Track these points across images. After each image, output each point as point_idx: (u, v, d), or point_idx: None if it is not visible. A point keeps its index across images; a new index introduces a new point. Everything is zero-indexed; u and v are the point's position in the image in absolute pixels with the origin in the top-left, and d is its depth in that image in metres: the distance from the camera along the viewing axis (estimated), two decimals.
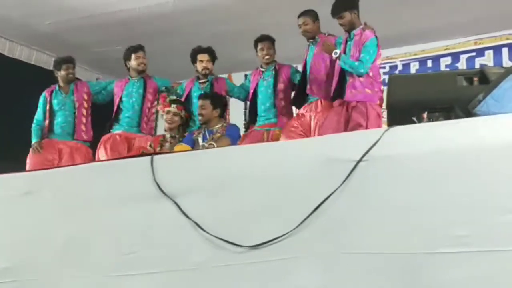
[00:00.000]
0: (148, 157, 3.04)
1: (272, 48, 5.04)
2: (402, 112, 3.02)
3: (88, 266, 2.99)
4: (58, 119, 5.30)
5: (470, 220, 2.32)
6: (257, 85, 5.07)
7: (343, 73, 4.34)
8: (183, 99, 5.14)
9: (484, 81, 3.00)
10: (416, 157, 2.49)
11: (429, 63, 6.86)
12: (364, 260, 2.45)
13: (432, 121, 2.92)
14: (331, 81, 4.50)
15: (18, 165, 4.36)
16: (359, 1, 4.39)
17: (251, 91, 5.11)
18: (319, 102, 4.66)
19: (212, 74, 5.24)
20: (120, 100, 5.26)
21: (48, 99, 5.32)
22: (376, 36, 4.26)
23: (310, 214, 2.54)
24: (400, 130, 2.63)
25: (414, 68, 6.94)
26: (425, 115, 2.95)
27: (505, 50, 6.49)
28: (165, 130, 4.97)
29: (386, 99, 3.33)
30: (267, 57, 5.03)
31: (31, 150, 5.21)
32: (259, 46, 5.04)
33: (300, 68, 4.96)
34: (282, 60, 5.11)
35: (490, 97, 2.74)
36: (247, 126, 5.27)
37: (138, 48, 5.27)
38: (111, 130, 5.26)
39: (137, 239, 2.92)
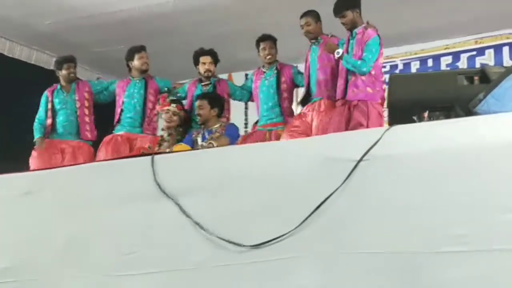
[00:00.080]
0: (149, 157, 3.04)
1: (274, 47, 5.01)
2: (403, 111, 3.02)
3: (88, 266, 2.99)
4: (60, 118, 5.30)
5: (470, 219, 2.32)
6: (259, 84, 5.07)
7: (348, 73, 4.33)
8: (186, 102, 5.13)
9: (485, 80, 3.01)
10: (417, 156, 2.48)
11: (430, 62, 6.86)
12: (364, 259, 2.45)
13: (433, 120, 2.92)
14: (335, 81, 4.49)
15: (18, 165, 4.34)
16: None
17: (254, 91, 5.10)
18: (322, 102, 4.64)
19: (215, 76, 5.23)
20: (122, 101, 5.27)
21: (50, 98, 5.32)
22: (379, 35, 4.24)
23: (311, 213, 2.54)
24: (401, 129, 2.62)
25: (414, 67, 6.93)
26: (425, 114, 2.95)
27: (505, 49, 6.49)
28: (163, 129, 4.97)
29: (387, 99, 3.33)
30: (269, 56, 5.01)
31: (34, 147, 5.19)
32: (261, 45, 5.01)
33: (300, 68, 4.96)
34: (281, 60, 5.10)
35: (491, 96, 2.74)
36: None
37: (141, 48, 5.27)
38: (113, 131, 5.26)
39: (137, 239, 2.92)
